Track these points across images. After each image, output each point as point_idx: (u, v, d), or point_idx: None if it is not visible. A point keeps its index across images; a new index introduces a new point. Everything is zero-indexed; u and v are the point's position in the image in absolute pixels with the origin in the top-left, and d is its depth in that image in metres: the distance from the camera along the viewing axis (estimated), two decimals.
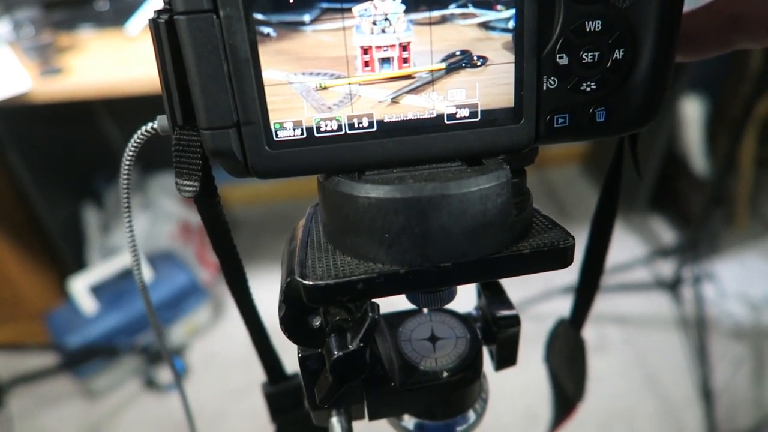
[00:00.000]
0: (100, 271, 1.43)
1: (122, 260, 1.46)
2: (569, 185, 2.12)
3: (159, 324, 0.35)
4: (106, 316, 1.40)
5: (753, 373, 1.38)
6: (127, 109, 1.39)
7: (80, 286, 1.39)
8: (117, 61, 1.23)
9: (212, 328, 1.61)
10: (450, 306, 0.32)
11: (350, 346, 0.25)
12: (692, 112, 1.70)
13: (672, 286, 1.53)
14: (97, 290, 1.42)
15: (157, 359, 1.47)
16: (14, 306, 1.51)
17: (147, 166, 1.78)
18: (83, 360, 1.38)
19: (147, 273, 1.48)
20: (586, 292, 0.39)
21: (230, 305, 1.78)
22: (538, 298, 1.45)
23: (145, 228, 1.62)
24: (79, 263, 1.57)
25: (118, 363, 1.44)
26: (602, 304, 1.55)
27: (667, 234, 1.82)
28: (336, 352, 0.25)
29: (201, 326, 1.60)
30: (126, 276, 1.47)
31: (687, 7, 0.24)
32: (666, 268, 1.61)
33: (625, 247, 1.77)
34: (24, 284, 1.51)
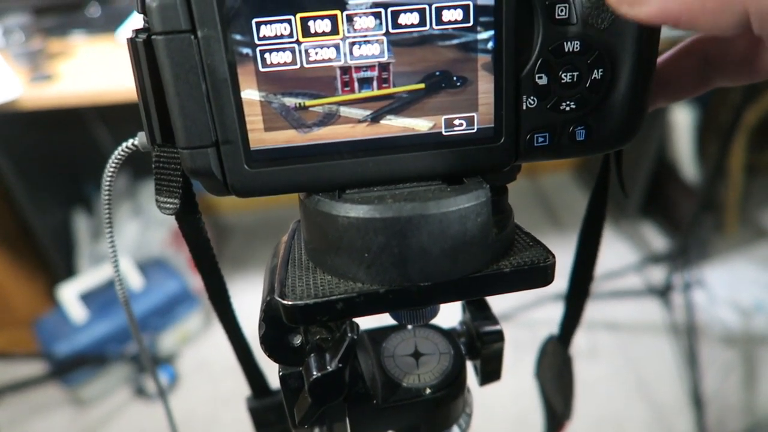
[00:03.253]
0: (89, 278, 1.42)
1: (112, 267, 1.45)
2: (561, 192, 2.13)
3: (141, 337, 0.35)
4: (96, 324, 1.39)
5: (743, 379, 1.39)
6: (118, 116, 1.39)
7: (70, 294, 1.38)
8: (108, 67, 1.23)
9: (203, 335, 1.61)
10: (434, 321, 0.32)
11: (329, 367, 0.25)
12: (682, 119, 1.71)
13: (662, 292, 1.54)
14: (87, 298, 1.41)
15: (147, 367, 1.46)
16: (3, 313, 1.49)
17: (138, 172, 1.77)
18: (72, 368, 1.36)
19: (138, 280, 1.47)
20: (574, 304, 0.39)
21: None
22: (531, 305, 1.45)
23: (136, 235, 1.61)
24: (68, 270, 1.56)
25: (108, 371, 1.42)
26: (593, 310, 1.55)
27: (657, 240, 1.83)
28: (315, 373, 0.25)
29: (192, 333, 1.59)
30: None
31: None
32: (657, 274, 1.61)
33: (616, 253, 1.77)
34: (13, 291, 1.49)
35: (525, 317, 1.45)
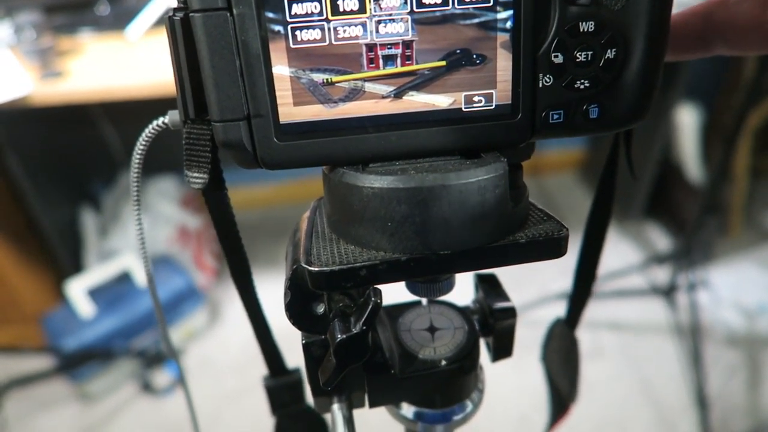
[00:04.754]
0: (97, 274, 1.44)
1: (119, 263, 1.46)
2: (565, 192, 2.14)
3: (163, 315, 0.36)
4: (103, 320, 1.40)
5: (747, 380, 1.39)
6: (126, 113, 1.40)
7: (77, 289, 1.39)
8: (117, 65, 1.24)
9: (208, 332, 1.62)
10: (448, 298, 0.33)
11: (353, 330, 0.26)
12: (687, 120, 1.72)
13: (667, 292, 1.54)
14: (94, 293, 1.42)
15: (154, 363, 1.46)
16: (11, 309, 1.51)
17: (145, 170, 1.78)
18: (79, 363, 1.37)
19: (144, 276, 1.48)
20: (581, 291, 0.40)
21: (226, 309, 1.79)
22: (534, 303, 1.46)
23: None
24: (76, 266, 1.57)
25: (115, 366, 1.44)
26: (597, 310, 1.56)
27: (662, 241, 1.83)
28: (339, 335, 0.26)
29: (197, 330, 1.60)
30: (123, 279, 1.47)
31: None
32: (661, 274, 1.62)
33: (620, 253, 1.78)
34: (21, 287, 1.51)
35: (529, 317, 1.46)
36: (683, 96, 1.67)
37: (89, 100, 1.17)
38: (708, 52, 0.28)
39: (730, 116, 1.62)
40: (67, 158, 1.69)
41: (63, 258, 1.55)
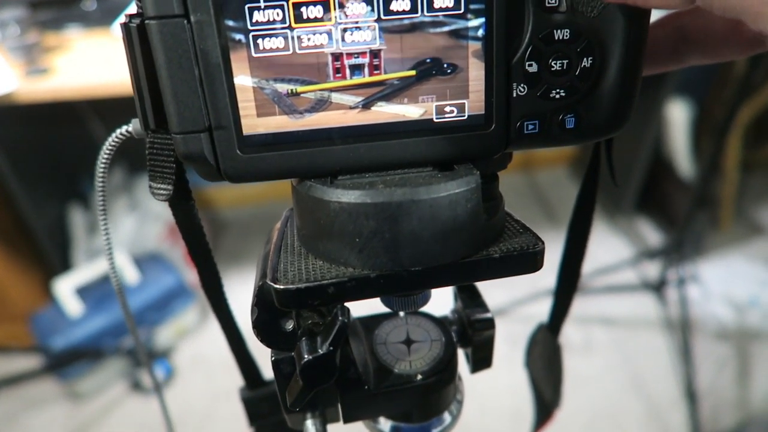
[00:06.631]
0: (85, 272, 1.42)
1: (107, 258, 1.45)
2: (556, 187, 2.14)
3: (137, 330, 0.35)
4: (92, 318, 1.39)
5: (737, 374, 1.40)
6: (114, 110, 1.38)
7: (65, 288, 1.38)
8: (103, 61, 1.22)
9: (200, 330, 1.61)
10: (426, 309, 0.32)
11: (320, 350, 0.25)
12: (678, 115, 1.71)
13: (657, 287, 1.55)
14: (83, 292, 1.41)
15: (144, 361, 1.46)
16: None
17: (134, 167, 1.77)
18: (68, 362, 1.36)
19: (134, 274, 1.47)
20: (563, 296, 0.40)
21: None
22: (526, 299, 1.46)
23: (133, 229, 1.61)
24: (64, 265, 1.56)
25: (104, 365, 1.43)
26: (588, 305, 1.56)
27: (652, 236, 1.84)
28: (306, 356, 0.25)
29: (188, 328, 1.59)
30: None
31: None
32: (651, 269, 1.62)
33: (611, 248, 1.78)
34: (8, 286, 1.49)
35: (519, 312, 1.46)
36: (673, 91, 1.67)
37: (76, 96, 1.15)
38: (681, 64, 0.28)
39: (720, 111, 1.62)
40: (55, 155, 1.67)
41: (51, 256, 1.53)
